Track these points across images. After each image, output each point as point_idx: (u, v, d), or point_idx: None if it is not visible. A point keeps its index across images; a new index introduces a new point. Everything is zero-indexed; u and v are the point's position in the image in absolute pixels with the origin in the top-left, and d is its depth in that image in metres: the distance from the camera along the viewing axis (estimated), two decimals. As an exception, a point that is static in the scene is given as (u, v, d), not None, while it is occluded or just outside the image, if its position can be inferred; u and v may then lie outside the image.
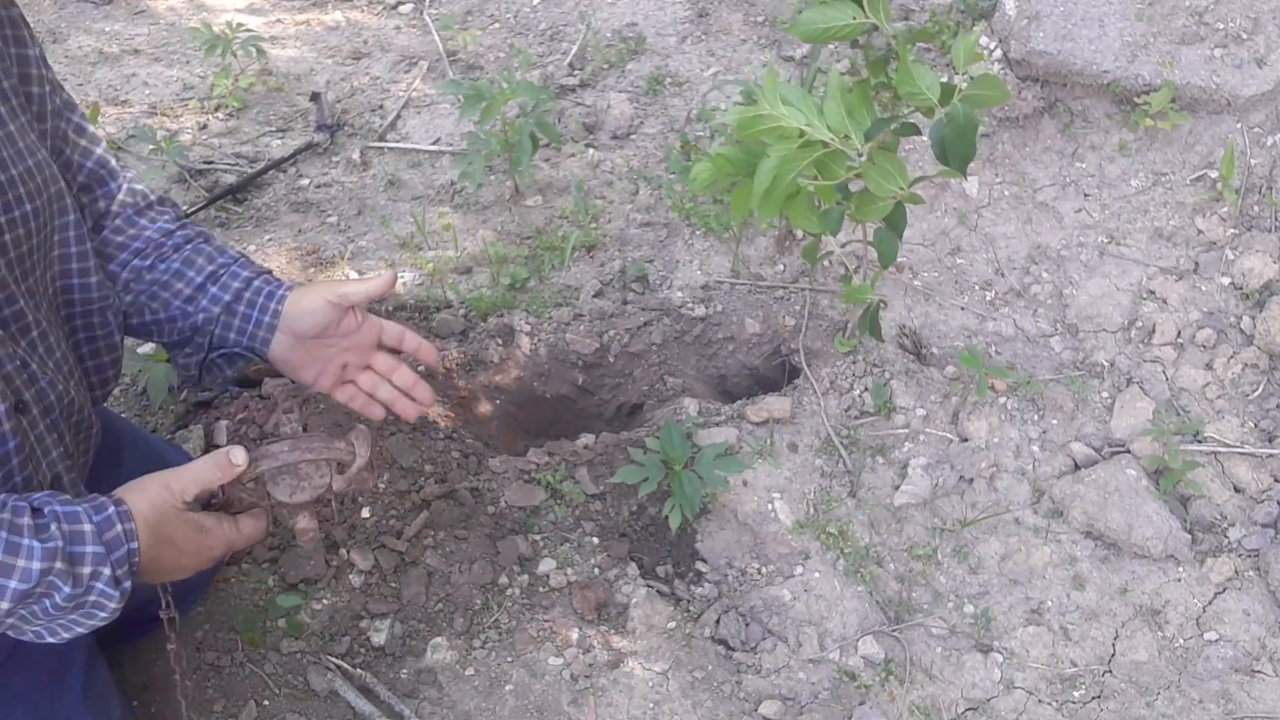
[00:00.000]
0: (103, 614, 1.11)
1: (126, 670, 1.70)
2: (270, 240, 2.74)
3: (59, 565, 1.04)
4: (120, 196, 1.46)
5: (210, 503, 1.28)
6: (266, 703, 1.71)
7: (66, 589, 1.05)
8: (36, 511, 1.07)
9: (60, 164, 1.34)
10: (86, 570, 1.07)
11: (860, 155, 1.77)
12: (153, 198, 1.49)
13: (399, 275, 2.61)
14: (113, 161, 1.46)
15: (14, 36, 1.24)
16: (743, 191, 1.86)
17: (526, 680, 1.82)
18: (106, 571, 1.09)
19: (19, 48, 1.25)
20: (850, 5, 1.70)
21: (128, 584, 1.11)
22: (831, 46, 3.14)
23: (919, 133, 1.85)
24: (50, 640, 1.12)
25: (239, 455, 1.23)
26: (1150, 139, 2.71)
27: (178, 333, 1.46)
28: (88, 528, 1.09)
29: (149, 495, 1.17)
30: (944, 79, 1.73)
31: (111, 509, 1.12)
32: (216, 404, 2.19)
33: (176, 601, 1.70)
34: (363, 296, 1.42)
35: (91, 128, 1.42)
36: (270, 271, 1.51)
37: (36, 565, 1.02)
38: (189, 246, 1.46)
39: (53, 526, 1.06)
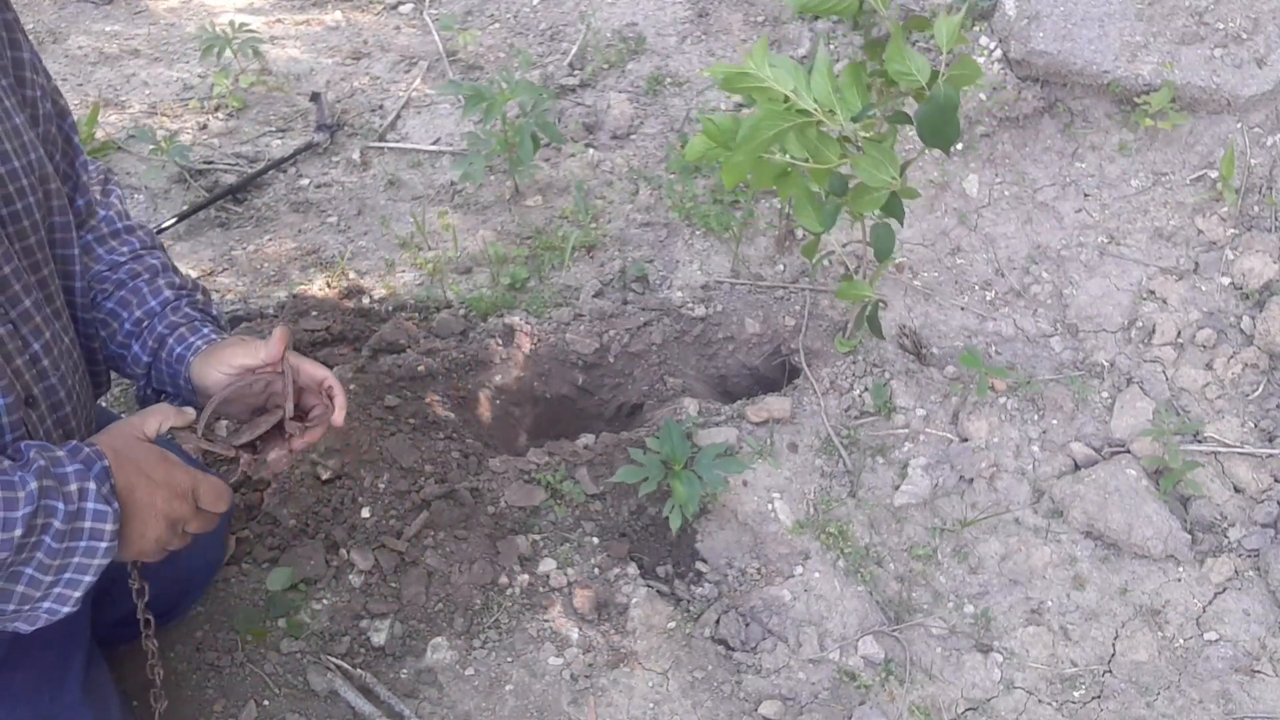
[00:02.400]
0: (102, 544, 1.11)
1: (126, 670, 1.70)
2: (270, 240, 2.74)
3: (47, 483, 1.06)
4: (91, 221, 1.46)
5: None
6: (266, 703, 1.71)
7: (61, 506, 1.07)
8: (10, 457, 1.10)
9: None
10: (73, 487, 1.09)
11: (842, 131, 1.78)
12: (119, 224, 1.48)
13: (399, 273, 2.61)
14: (85, 176, 1.45)
15: (9, 39, 1.26)
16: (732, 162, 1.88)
17: (526, 680, 1.82)
18: (92, 486, 1.10)
19: (14, 50, 1.26)
20: None
21: (116, 504, 1.12)
22: (832, 46, 3.14)
23: (909, 120, 1.86)
24: (64, 611, 1.11)
25: (189, 409, 1.32)
26: (1150, 139, 2.71)
27: (123, 373, 1.49)
28: (60, 453, 1.12)
29: (109, 430, 1.23)
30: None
31: (74, 442, 1.16)
32: (216, 404, 2.19)
33: (176, 599, 1.71)
34: (255, 361, 1.40)
35: (78, 138, 1.43)
36: (190, 319, 1.47)
37: (33, 485, 1.04)
38: (129, 285, 1.46)
39: (30, 453, 1.09)
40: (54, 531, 1.07)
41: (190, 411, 1.31)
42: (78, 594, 1.11)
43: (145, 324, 1.44)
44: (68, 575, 1.10)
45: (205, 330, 1.45)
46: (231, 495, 1.32)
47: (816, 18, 3.28)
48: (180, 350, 1.42)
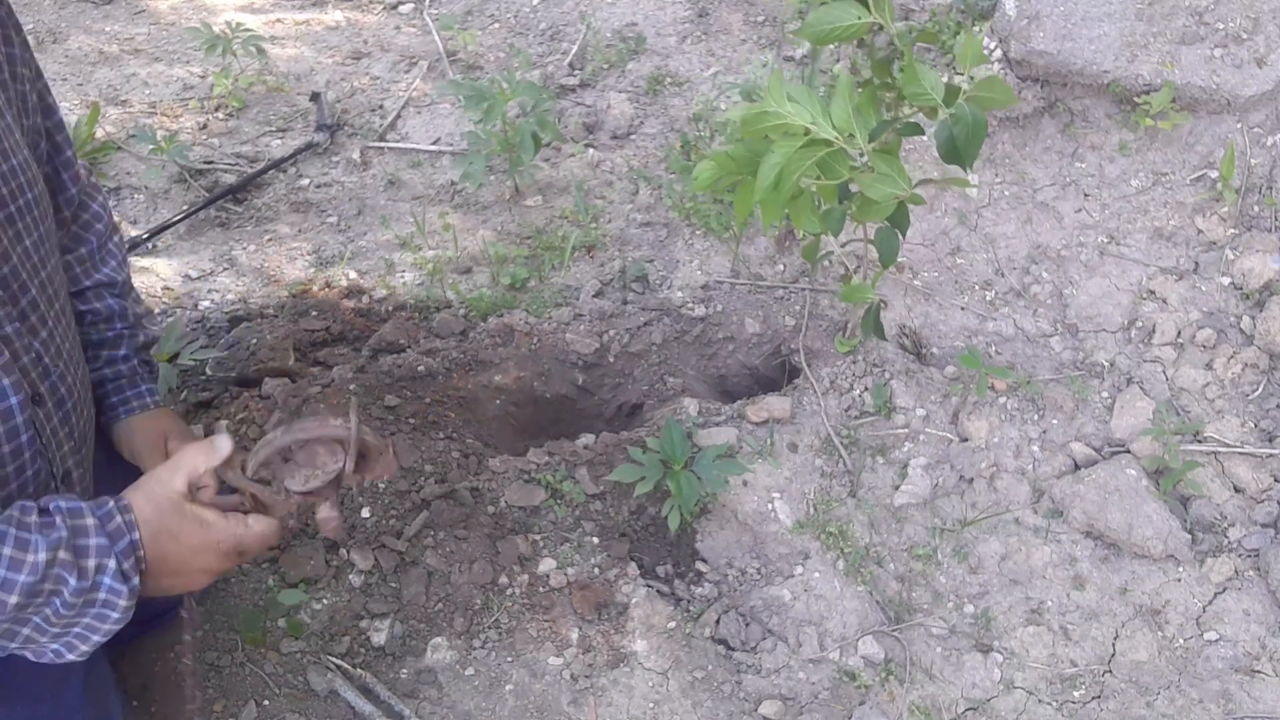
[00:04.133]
0: (114, 614, 1.09)
1: (126, 670, 1.70)
2: (270, 240, 2.74)
3: (63, 555, 1.04)
4: (84, 215, 1.48)
5: (238, 508, 1.24)
6: (266, 703, 1.71)
7: (73, 581, 1.05)
8: (43, 510, 1.07)
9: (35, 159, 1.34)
10: (91, 563, 1.06)
11: (863, 155, 1.76)
12: (109, 237, 1.51)
13: (400, 276, 2.61)
14: (76, 167, 1.45)
15: (2, 35, 1.24)
16: (745, 190, 1.86)
17: (526, 680, 1.82)
18: (111, 564, 1.08)
19: (8, 46, 1.25)
20: (854, 5, 1.71)
21: (136, 580, 1.10)
22: (832, 47, 3.14)
23: (922, 133, 1.85)
24: (70, 657, 1.10)
25: (223, 441, 1.22)
26: (1150, 139, 2.71)
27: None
28: (90, 521, 1.09)
29: (144, 489, 1.17)
30: (945, 79, 1.74)
31: (111, 503, 1.12)
32: (216, 404, 2.19)
33: (176, 599, 1.71)
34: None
35: (63, 134, 1.41)
36: (142, 366, 1.53)
37: (41, 556, 1.02)
38: (95, 306, 1.50)
39: (57, 519, 1.06)
40: (63, 600, 1.05)
41: (223, 448, 1.22)
42: (86, 647, 1.10)
43: (102, 348, 1.51)
44: (77, 631, 1.09)
45: (141, 395, 1.53)
46: (279, 532, 1.26)
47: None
48: (123, 395, 1.50)
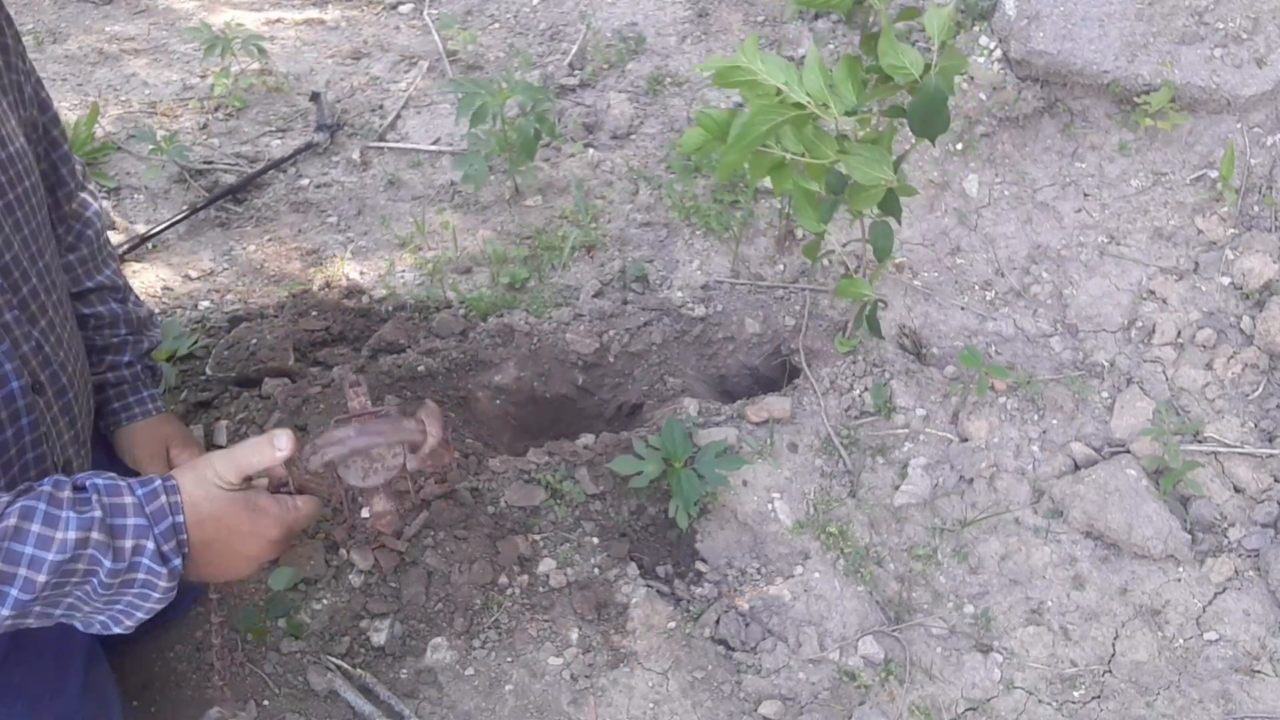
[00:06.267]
0: (155, 594, 1.07)
1: (127, 670, 1.70)
2: (270, 240, 2.74)
3: (96, 536, 1.01)
4: (85, 214, 1.49)
5: (280, 490, 1.20)
6: (266, 703, 1.71)
7: (108, 563, 1.01)
8: (78, 488, 1.04)
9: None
10: (128, 544, 1.03)
11: (838, 127, 1.79)
12: (105, 238, 1.52)
13: (398, 275, 2.61)
14: (72, 164, 1.45)
15: None
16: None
17: (526, 680, 1.82)
18: (150, 545, 1.04)
19: (0, 36, 1.25)
20: None
21: (177, 562, 1.06)
22: (831, 46, 3.14)
23: (904, 114, 1.86)
24: (116, 630, 1.09)
25: (283, 440, 1.16)
26: (1150, 139, 2.71)
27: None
28: (129, 500, 1.05)
29: (196, 471, 1.13)
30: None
31: (158, 482, 1.09)
32: (217, 404, 2.19)
33: (177, 599, 1.71)
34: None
35: (58, 130, 1.41)
36: (145, 372, 1.56)
37: (72, 535, 0.99)
38: (98, 310, 1.52)
39: (93, 499, 1.03)
40: (100, 580, 1.02)
41: (284, 443, 1.16)
42: (131, 622, 1.08)
43: (107, 352, 1.53)
44: (120, 607, 1.07)
45: (145, 400, 1.56)
46: (321, 510, 1.23)
47: (817, 16, 3.28)
48: (127, 400, 1.53)
